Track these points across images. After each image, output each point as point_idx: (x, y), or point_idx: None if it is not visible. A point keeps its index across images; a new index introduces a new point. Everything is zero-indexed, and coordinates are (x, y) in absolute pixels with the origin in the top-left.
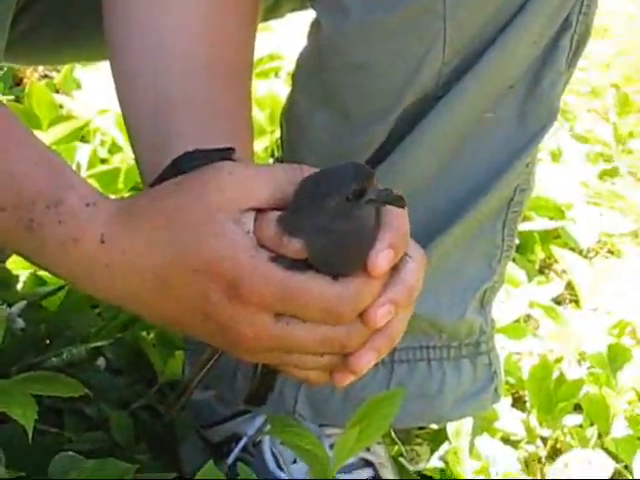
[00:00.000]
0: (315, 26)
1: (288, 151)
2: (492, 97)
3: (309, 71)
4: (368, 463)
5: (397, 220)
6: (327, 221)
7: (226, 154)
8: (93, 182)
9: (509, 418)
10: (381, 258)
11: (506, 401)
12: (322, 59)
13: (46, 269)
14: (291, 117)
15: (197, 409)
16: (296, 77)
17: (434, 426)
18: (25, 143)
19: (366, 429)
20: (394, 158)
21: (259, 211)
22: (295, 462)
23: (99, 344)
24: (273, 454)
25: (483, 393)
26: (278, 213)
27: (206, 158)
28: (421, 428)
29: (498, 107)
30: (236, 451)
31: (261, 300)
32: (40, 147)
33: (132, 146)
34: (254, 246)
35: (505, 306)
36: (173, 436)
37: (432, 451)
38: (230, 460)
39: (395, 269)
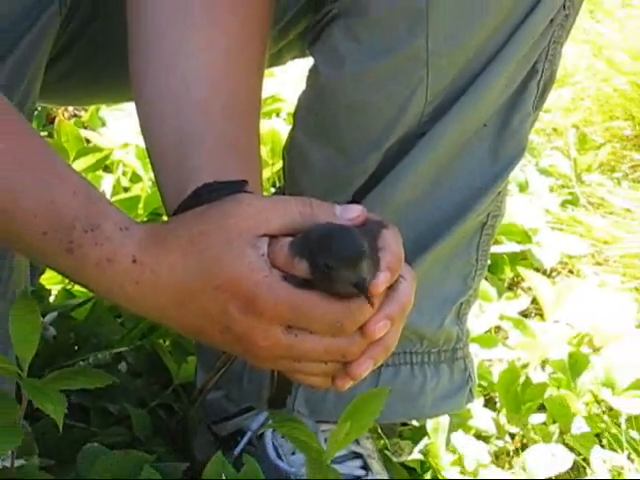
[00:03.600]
0: (314, 72)
1: (289, 181)
2: (468, 134)
3: (309, 111)
4: (357, 455)
5: (394, 245)
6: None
7: (240, 186)
8: None
9: (481, 417)
10: (380, 280)
11: (479, 402)
12: (320, 100)
13: (84, 286)
14: (292, 151)
15: (208, 407)
16: (297, 116)
17: (415, 423)
18: (65, 175)
19: (355, 424)
20: (383, 186)
21: (272, 237)
22: (294, 453)
23: (121, 350)
24: (274, 446)
25: (459, 394)
26: (289, 239)
27: (223, 189)
28: (404, 424)
29: (474, 142)
30: (242, 444)
31: (274, 314)
32: (78, 179)
33: (156, 177)
34: (268, 267)
35: (478, 319)
36: (186, 431)
37: (413, 445)
38: (237, 451)
39: (391, 288)
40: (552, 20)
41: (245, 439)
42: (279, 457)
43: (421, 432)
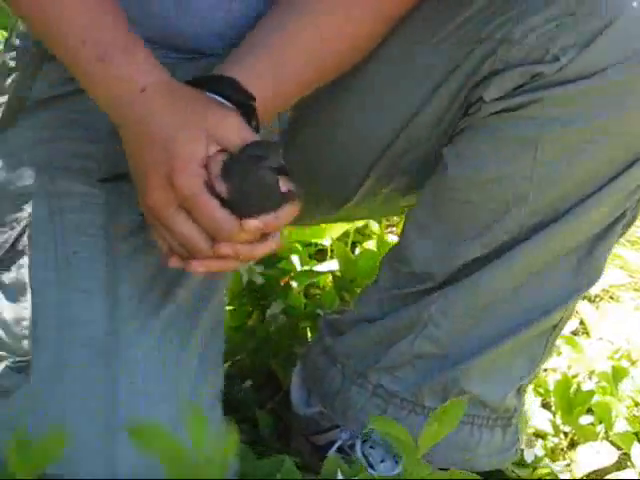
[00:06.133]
0: (439, 172)
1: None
2: (558, 254)
3: (424, 206)
4: None
5: (283, 214)
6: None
7: (248, 99)
8: None
9: (539, 417)
10: (251, 224)
11: (537, 403)
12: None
13: (96, 95)
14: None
15: (305, 421)
16: (409, 214)
17: None
18: (119, 21)
19: (441, 426)
20: (480, 275)
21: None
22: (383, 461)
23: None
24: (363, 454)
25: (507, 452)
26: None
27: (235, 92)
28: None
29: (562, 261)
30: (334, 448)
31: (179, 193)
32: (128, 27)
33: None
34: (203, 164)
35: None
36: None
37: None
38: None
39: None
40: None
41: (336, 445)
42: (369, 464)
43: None
